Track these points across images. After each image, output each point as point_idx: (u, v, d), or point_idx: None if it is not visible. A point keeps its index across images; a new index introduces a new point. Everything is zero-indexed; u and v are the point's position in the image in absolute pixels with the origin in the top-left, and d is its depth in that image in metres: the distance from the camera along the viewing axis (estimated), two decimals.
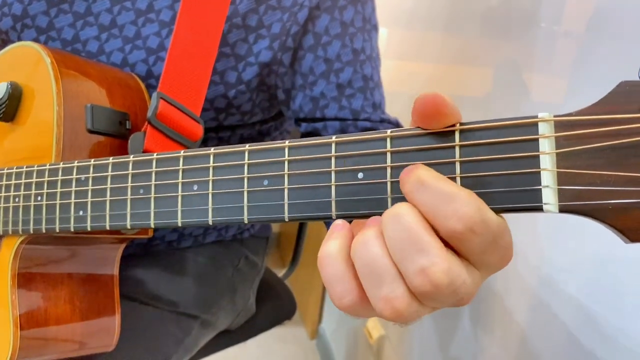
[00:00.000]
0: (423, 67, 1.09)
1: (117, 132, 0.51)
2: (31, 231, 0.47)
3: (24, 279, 0.50)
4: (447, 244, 0.27)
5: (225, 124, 0.63)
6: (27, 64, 0.51)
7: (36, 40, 0.61)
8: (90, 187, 0.43)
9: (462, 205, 0.26)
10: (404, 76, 1.17)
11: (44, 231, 0.46)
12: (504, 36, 0.80)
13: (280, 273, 1.02)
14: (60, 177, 0.45)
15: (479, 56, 0.86)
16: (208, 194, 0.37)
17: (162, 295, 0.66)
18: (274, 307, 0.92)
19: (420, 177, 0.27)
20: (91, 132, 0.50)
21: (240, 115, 0.63)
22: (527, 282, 0.68)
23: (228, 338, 0.82)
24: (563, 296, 0.61)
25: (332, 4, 0.58)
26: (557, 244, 0.63)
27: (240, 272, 0.77)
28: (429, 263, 0.26)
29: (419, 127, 0.30)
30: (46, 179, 0.46)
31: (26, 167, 0.48)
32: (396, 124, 0.63)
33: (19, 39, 0.62)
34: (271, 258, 0.88)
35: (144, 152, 0.49)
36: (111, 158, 0.42)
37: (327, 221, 0.37)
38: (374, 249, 0.28)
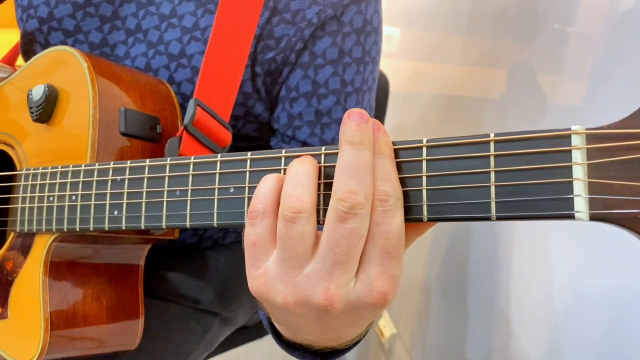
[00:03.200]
0: (436, 68, 1.10)
1: (148, 136, 0.53)
2: (65, 230, 0.49)
3: (55, 276, 0.51)
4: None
5: (242, 132, 0.64)
6: (64, 67, 0.53)
7: (64, 42, 0.63)
8: (126, 189, 0.44)
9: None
10: (418, 77, 1.18)
11: (77, 230, 0.48)
12: (517, 38, 0.80)
13: None
14: (95, 178, 0.47)
15: (492, 57, 0.87)
16: (244, 197, 0.38)
17: (184, 293, 0.67)
18: None
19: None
20: (124, 135, 0.51)
21: (258, 125, 0.64)
22: (540, 282, 0.69)
23: (245, 334, 0.83)
24: (577, 296, 0.62)
25: (337, 29, 0.58)
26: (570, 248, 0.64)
27: None
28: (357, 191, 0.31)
29: (454, 137, 0.32)
30: (81, 179, 0.48)
31: (61, 167, 0.49)
32: None
33: (46, 41, 0.63)
34: None
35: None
36: (148, 160, 0.43)
37: None
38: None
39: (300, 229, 0.31)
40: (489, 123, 0.83)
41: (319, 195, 0.35)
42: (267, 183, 0.34)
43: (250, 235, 0.34)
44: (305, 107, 0.60)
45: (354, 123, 0.32)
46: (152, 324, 0.60)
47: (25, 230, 0.52)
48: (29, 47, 0.67)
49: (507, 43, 0.84)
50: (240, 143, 0.68)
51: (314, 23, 0.57)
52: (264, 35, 0.58)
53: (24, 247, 0.53)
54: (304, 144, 0.61)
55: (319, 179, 0.35)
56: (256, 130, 0.65)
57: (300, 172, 0.33)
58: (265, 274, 0.33)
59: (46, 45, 0.64)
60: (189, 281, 0.68)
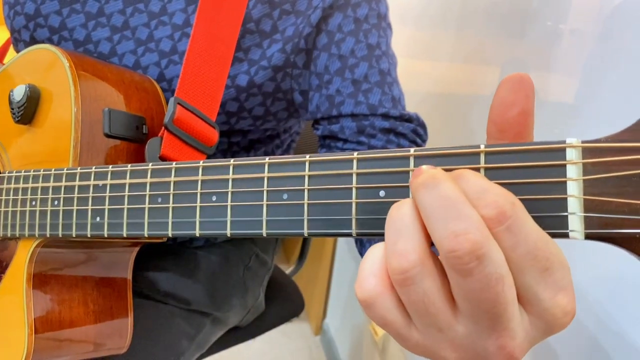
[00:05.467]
0: (428, 66, 1.09)
1: (133, 137, 0.51)
2: (48, 235, 0.47)
3: (39, 282, 0.50)
4: None
5: (237, 128, 0.63)
6: (45, 66, 0.51)
7: (49, 39, 0.61)
8: (107, 194, 0.43)
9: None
10: (410, 75, 1.17)
11: (60, 236, 0.46)
12: (509, 35, 0.79)
13: (286, 270, 1.02)
14: (77, 183, 0.45)
15: (484, 55, 0.86)
16: (227, 205, 0.37)
17: (175, 293, 0.66)
18: (282, 304, 0.92)
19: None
20: (108, 136, 0.50)
21: (252, 120, 0.63)
22: None
23: (237, 335, 0.82)
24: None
25: (345, 2, 0.58)
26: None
27: (251, 270, 0.77)
28: (463, 230, 0.24)
29: (442, 147, 0.30)
30: (63, 183, 0.46)
31: (43, 171, 0.48)
32: (417, 120, 0.61)
33: (32, 38, 0.62)
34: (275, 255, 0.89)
35: (161, 157, 0.49)
36: (129, 165, 0.42)
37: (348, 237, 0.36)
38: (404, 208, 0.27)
39: (421, 289, 0.26)
40: (481, 121, 0.81)
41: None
42: (374, 254, 0.28)
43: (376, 319, 0.29)
44: (340, 83, 0.58)
45: (418, 170, 0.27)
46: (142, 325, 0.59)
47: (9, 235, 0.51)
48: (14, 46, 0.66)
49: (499, 40, 0.83)
50: (235, 138, 0.66)
51: (320, 6, 0.57)
52: (269, 31, 0.57)
53: (8, 252, 0.52)
54: (353, 116, 0.59)
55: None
56: (251, 124, 0.64)
57: (397, 218, 0.27)
58: (418, 344, 0.28)
59: (31, 43, 0.62)
60: (180, 281, 0.67)
